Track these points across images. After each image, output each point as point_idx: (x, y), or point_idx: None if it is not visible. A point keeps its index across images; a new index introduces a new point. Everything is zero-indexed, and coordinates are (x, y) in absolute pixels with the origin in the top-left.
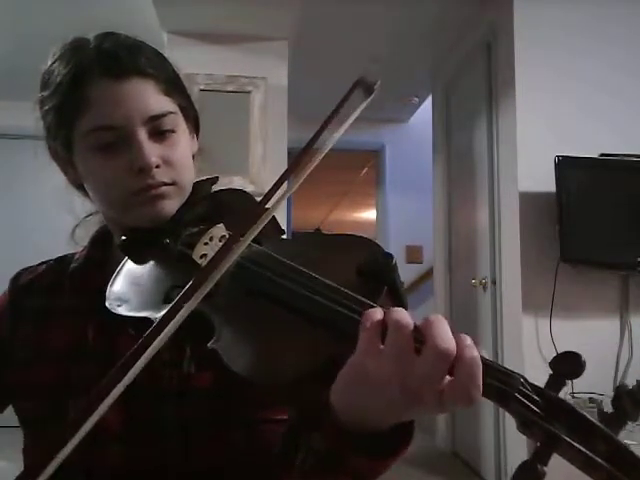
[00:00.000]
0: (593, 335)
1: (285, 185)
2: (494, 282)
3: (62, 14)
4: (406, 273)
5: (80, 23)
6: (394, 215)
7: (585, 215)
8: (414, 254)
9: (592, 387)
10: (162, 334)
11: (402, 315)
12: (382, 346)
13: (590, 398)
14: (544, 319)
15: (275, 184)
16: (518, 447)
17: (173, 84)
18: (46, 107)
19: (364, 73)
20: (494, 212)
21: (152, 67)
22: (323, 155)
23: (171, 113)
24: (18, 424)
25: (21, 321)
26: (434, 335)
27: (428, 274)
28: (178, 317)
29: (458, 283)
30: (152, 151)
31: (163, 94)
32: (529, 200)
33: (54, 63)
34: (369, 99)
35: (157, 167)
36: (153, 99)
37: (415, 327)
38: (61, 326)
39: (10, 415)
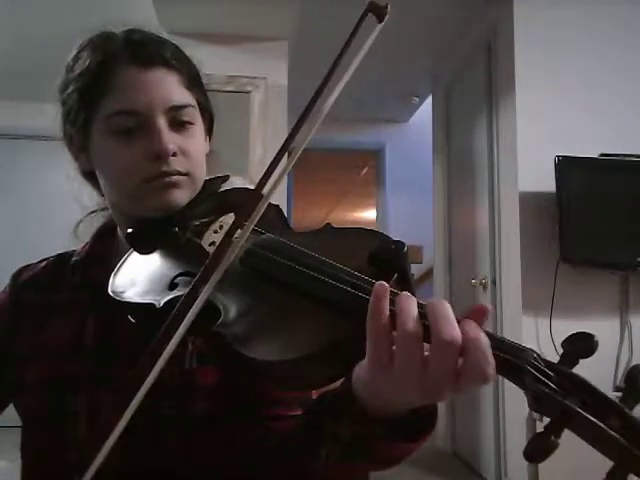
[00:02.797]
0: None
1: (287, 160)
2: (494, 282)
3: (61, 15)
4: None
5: (79, 23)
6: (394, 215)
7: (585, 215)
8: (414, 254)
9: None
10: (186, 319)
11: (409, 301)
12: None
13: None
14: (544, 319)
15: (288, 136)
16: (518, 447)
17: (194, 80)
18: (70, 89)
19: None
20: (494, 212)
21: (177, 60)
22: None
23: (191, 106)
24: (17, 424)
25: (22, 318)
26: (438, 328)
27: (428, 274)
28: (200, 298)
29: (458, 283)
30: (170, 138)
31: (185, 87)
32: (529, 200)
33: (81, 51)
34: (381, 25)
35: (174, 155)
36: (176, 90)
37: (420, 314)
38: (61, 322)
39: (10, 415)
